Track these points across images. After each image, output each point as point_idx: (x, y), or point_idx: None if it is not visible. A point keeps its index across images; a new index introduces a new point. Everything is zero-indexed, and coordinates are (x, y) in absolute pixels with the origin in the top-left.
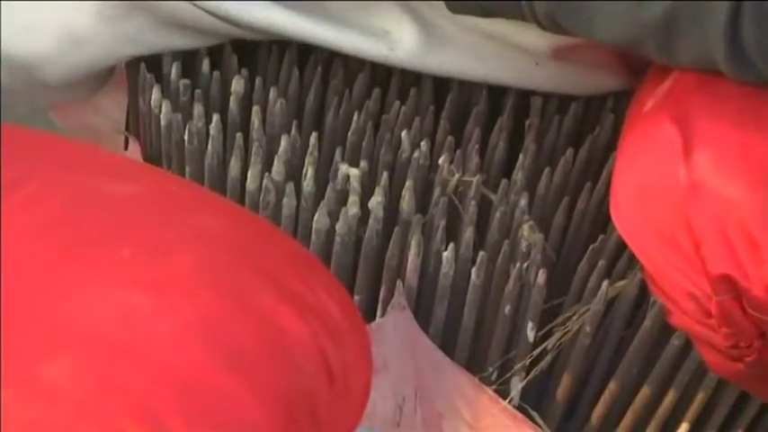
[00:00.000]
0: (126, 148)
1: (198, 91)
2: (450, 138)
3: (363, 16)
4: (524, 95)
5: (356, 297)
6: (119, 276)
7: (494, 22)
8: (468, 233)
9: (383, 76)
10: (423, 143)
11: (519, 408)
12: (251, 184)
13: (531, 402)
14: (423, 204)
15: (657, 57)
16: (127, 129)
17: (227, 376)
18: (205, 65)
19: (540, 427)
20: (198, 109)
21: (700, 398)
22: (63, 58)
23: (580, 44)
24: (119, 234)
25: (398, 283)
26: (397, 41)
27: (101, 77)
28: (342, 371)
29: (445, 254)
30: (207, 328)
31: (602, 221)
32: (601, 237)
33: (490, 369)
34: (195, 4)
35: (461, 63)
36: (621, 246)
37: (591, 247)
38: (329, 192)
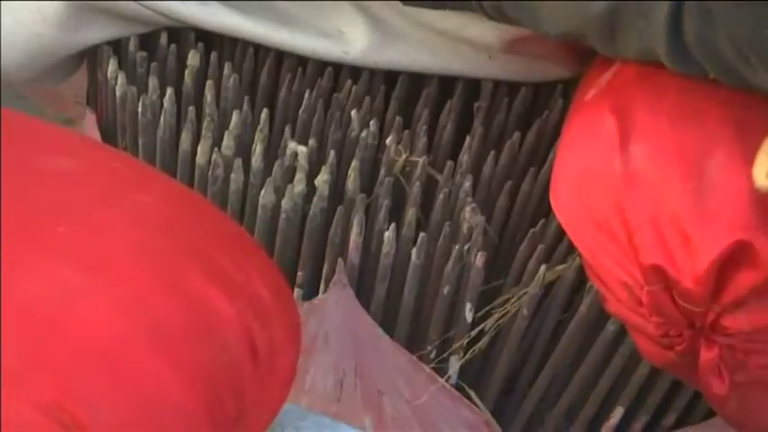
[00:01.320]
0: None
1: (154, 64)
2: (398, 118)
3: (317, 18)
4: (475, 79)
5: (300, 273)
6: (52, 253)
7: (445, 17)
8: (410, 213)
9: None
10: (372, 122)
11: (456, 386)
12: (201, 158)
13: (469, 381)
14: (370, 183)
15: (601, 48)
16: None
17: (150, 354)
18: (163, 38)
19: (476, 405)
20: (153, 82)
21: (634, 382)
22: (34, 64)
23: (530, 36)
24: (56, 211)
25: (339, 260)
26: (351, 41)
27: (74, 64)
28: (267, 351)
29: (387, 233)
30: (134, 306)
31: (546, 206)
32: (542, 221)
33: (429, 348)
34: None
35: (415, 58)
36: (562, 231)
37: (531, 231)
38: (276, 168)
